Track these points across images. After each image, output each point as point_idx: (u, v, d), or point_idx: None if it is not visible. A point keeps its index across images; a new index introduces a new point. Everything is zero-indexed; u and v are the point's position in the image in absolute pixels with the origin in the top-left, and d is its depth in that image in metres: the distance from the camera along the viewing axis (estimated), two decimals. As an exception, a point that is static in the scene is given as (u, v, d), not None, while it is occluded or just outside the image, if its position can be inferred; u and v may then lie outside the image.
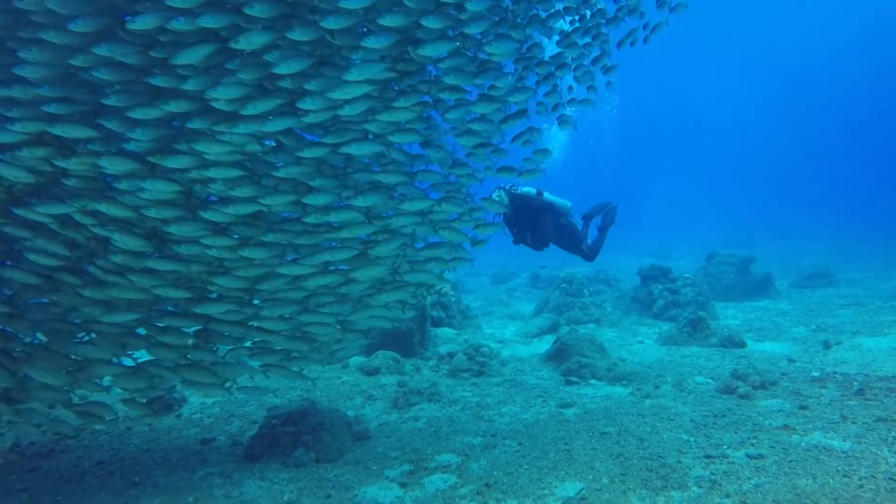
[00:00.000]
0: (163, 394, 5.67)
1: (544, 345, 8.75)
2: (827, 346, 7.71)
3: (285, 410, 4.88)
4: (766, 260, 15.94)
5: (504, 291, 15.66)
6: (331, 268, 4.33)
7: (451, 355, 7.79)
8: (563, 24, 4.61)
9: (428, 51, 3.78)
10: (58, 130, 3.43)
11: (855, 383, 5.80)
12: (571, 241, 7.35)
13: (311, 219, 3.99)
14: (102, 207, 3.63)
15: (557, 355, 7.58)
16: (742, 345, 8.10)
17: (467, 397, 6.22)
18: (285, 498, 3.98)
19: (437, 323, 9.96)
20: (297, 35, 3.44)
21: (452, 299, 10.57)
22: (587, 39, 4.74)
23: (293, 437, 4.67)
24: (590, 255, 7.52)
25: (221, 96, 3.44)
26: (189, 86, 3.40)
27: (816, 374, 6.34)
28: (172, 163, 3.58)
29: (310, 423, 4.76)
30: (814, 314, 10.47)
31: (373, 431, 5.22)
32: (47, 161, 3.55)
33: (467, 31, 3.86)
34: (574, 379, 6.76)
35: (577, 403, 5.81)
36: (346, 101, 3.69)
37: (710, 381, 6.34)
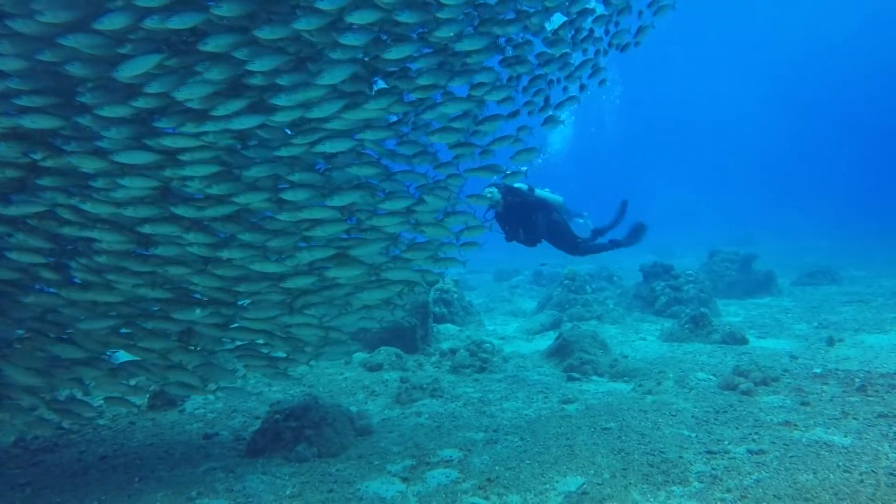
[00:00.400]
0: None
1: (546, 341, 8.76)
2: (831, 342, 7.71)
3: (288, 406, 4.90)
4: (769, 258, 15.92)
5: (506, 288, 15.68)
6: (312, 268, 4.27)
7: (453, 351, 7.81)
8: (553, 24, 4.52)
9: (393, 53, 3.69)
10: (28, 122, 3.36)
11: (856, 380, 5.80)
12: (563, 238, 7.30)
13: (284, 216, 3.91)
14: (87, 206, 3.59)
15: (559, 352, 7.59)
16: (744, 341, 8.10)
17: (469, 393, 6.23)
18: (288, 492, 4.00)
19: (440, 319, 9.99)
20: (265, 33, 3.36)
21: (455, 296, 10.59)
22: (577, 40, 4.65)
23: (296, 431, 4.68)
24: (581, 251, 7.38)
25: (186, 96, 3.37)
26: (153, 88, 3.33)
27: (818, 370, 6.34)
28: (129, 158, 3.50)
29: (312, 419, 4.77)
30: (816, 311, 10.47)
31: (375, 427, 5.24)
32: (26, 155, 3.50)
33: (440, 33, 3.75)
34: (576, 375, 6.77)
35: (579, 399, 5.82)
36: (317, 102, 3.62)
37: (711, 377, 6.34)
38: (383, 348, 7.61)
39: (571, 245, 7.33)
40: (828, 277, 14.09)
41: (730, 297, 12.63)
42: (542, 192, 7.21)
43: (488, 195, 6.67)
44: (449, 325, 9.85)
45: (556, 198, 7.30)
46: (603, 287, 13.33)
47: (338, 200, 3.97)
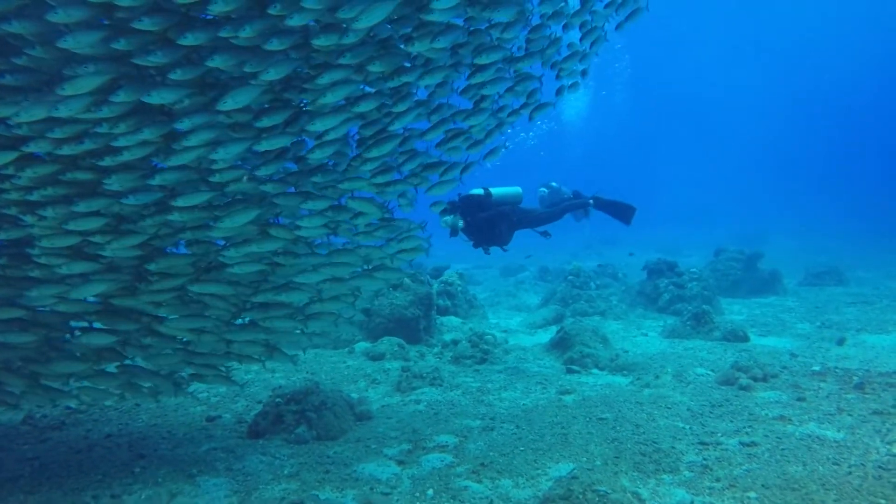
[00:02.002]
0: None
1: (549, 335, 8.81)
2: (841, 342, 7.69)
3: (290, 390, 5.00)
4: (778, 257, 15.88)
5: (512, 283, 15.72)
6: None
7: (455, 342, 7.87)
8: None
9: (271, 74, 3.47)
10: None
11: (855, 378, 5.82)
12: (536, 221, 7.35)
13: (174, 216, 3.73)
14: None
15: (560, 344, 7.65)
16: (745, 339, 8.12)
17: (469, 383, 6.31)
18: (286, 472, 4.09)
19: (443, 311, 10.06)
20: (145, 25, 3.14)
21: (459, 288, 10.65)
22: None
23: (296, 415, 4.78)
24: (557, 215, 7.47)
25: (64, 114, 3.24)
26: (24, 115, 3.19)
27: (817, 368, 6.36)
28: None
29: (313, 403, 4.87)
30: (820, 311, 10.45)
31: (374, 413, 5.33)
32: None
33: (317, 42, 3.52)
34: (576, 368, 6.83)
35: (577, 391, 5.89)
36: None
37: (710, 372, 6.39)
38: (386, 338, 7.70)
39: (548, 218, 7.36)
40: (834, 278, 14.02)
41: (734, 296, 12.61)
42: (499, 191, 7.09)
43: (443, 225, 6.69)
44: (452, 318, 9.93)
45: (513, 191, 7.22)
46: (607, 284, 13.33)
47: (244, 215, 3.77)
